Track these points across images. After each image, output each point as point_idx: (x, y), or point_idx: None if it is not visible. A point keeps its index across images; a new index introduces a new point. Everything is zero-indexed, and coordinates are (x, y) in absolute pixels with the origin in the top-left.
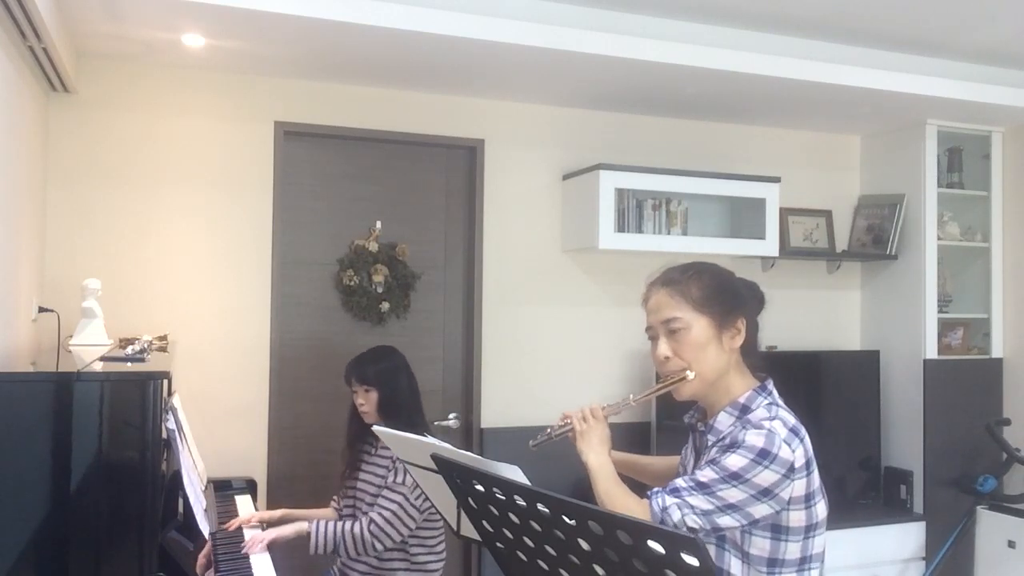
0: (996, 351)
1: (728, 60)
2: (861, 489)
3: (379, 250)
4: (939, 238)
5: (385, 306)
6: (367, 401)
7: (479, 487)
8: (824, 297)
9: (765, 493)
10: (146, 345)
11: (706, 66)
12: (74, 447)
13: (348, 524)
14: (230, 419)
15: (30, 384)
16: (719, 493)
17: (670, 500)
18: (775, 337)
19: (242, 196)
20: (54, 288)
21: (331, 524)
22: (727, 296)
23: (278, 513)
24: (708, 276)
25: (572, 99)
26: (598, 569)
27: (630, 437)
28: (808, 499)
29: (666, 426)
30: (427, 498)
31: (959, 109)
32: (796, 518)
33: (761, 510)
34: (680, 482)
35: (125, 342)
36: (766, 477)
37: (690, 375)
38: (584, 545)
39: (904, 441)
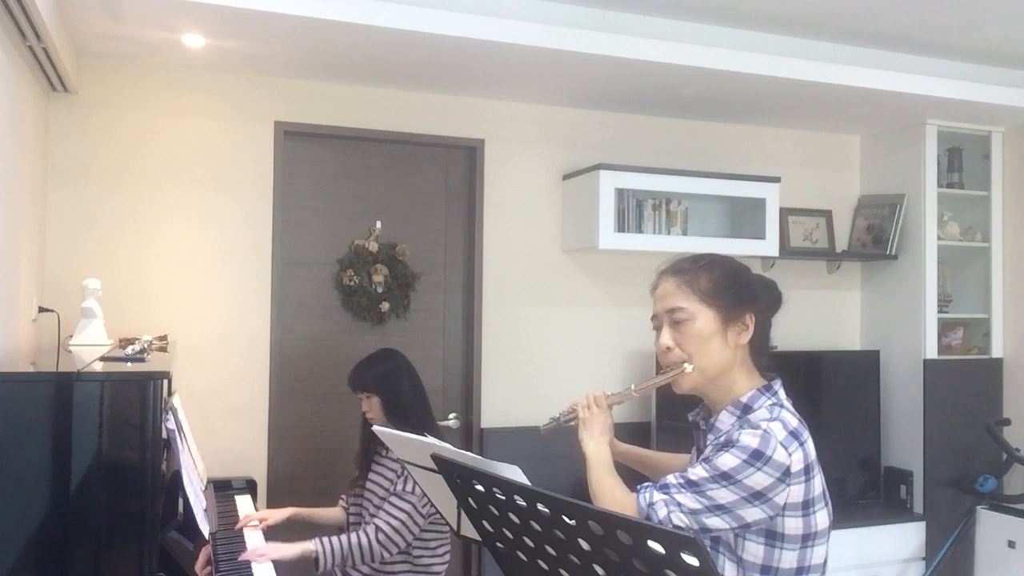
0: (996, 351)
1: (728, 60)
2: (861, 489)
3: (379, 250)
4: (939, 238)
5: (385, 306)
6: (371, 407)
7: (479, 487)
8: (824, 297)
9: (757, 496)
10: (146, 345)
11: (706, 66)
12: (74, 447)
13: (354, 537)
14: (230, 419)
15: (30, 384)
16: (708, 492)
17: (658, 496)
18: (775, 337)
19: (242, 196)
20: (54, 288)
21: (335, 540)
22: (736, 290)
23: (285, 513)
24: (719, 268)
25: (572, 99)
26: (598, 569)
27: (630, 436)
28: (806, 506)
29: (666, 425)
30: (433, 505)
31: (959, 109)
32: (792, 525)
33: (753, 514)
34: (671, 479)
35: (125, 342)
36: (758, 479)
37: (688, 368)
38: (584, 545)
39: (904, 441)
